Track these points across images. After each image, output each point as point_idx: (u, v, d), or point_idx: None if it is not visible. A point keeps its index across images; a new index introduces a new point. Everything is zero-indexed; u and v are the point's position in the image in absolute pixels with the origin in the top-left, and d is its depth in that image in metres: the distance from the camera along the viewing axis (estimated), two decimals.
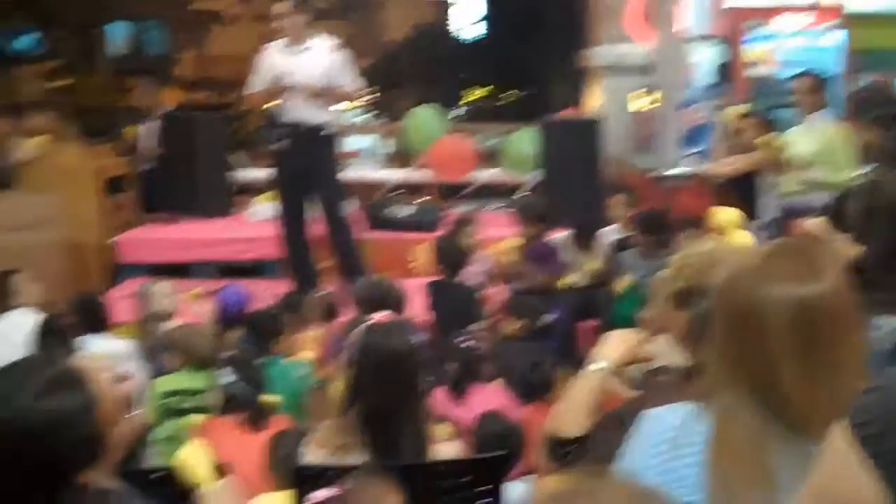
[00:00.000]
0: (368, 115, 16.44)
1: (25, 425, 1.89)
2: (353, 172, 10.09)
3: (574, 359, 5.39)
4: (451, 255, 6.23)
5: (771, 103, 8.74)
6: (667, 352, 2.50)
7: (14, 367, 2.05)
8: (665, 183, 7.99)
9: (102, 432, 1.97)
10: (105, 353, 4.66)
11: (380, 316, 3.11)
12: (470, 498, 2.96)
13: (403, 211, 8.78)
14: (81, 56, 15.56)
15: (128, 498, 2.03)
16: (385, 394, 2.98)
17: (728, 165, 7.41)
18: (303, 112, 7.05)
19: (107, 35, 16.60)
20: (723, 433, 1.76)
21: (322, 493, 2.13)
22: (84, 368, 2.01)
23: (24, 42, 15.75)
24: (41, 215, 7.37)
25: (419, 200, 10.97)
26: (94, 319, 5.33)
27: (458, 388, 4.58)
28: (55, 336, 4.56)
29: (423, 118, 10.18)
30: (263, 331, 4.97)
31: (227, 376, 4.03)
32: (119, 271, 8.20)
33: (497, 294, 6.81)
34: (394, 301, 5.55)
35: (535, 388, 4.64)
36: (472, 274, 6.51)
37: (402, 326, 3.08)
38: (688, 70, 8.91)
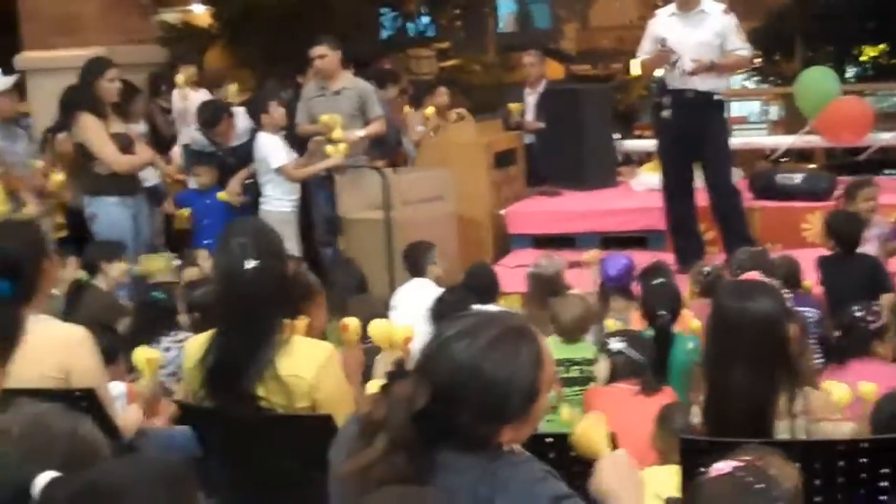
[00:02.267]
0: (755, 78, 15.92)
1: (477, 369, 1.96)
2: (740, 139, 9.84)
3: None
4: (846, 227, 5.89)
5: None
6: None
7: (468, 317, 2.14)
8: None
9: (540, 391, 2.02)
10: None
11: (749, 275, 2.90)
12: (868, 481, 2.80)
13: (794, 178, 8.44)
14: (470, 35, 16.17)
15: (531, 460, 2.07)
16: (738, 362, 2.78)
17: None
18: (690, 78, 6.93)
19: (494, 13, 17.16)
20: None
21: (724, 465, 2.10)
22: (532, 328, 2.08)
23: (419, 25, 16.64)
24: (437, 189, 7.76)
25: (810, 166, 10.51)
26: (487, 290, 5.55)
27: (840, 361, 4.36)
28: (452, 309, 4.79)
29: (814, 80, 9.69)
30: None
31: (616, 344, 4.09)
32: (508, 242, 8.51)
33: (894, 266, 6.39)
34: (779, 272, 5.35)
35: None
36: (867, 244, 6.14)
37: (765, 289, 2.81)
38: None
